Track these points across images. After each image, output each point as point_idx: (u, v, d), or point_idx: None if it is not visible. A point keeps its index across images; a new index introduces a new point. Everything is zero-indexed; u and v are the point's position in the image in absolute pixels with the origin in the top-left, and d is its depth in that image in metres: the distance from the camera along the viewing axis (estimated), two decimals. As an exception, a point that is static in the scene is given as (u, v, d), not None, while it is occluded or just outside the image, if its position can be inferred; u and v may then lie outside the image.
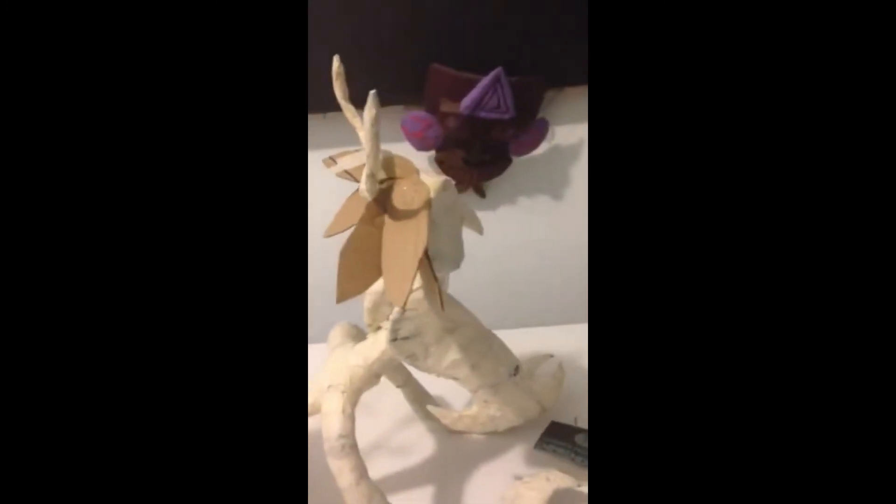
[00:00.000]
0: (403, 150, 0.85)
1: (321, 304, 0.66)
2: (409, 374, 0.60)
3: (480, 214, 0.99)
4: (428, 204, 0.38)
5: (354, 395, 0.45)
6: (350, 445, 0.43)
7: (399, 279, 0.36)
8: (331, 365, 0.46)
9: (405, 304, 0.36)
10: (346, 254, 0.39)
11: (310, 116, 0.78)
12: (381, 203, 0.40)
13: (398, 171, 0.41)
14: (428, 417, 0.61)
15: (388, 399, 0.69)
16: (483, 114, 0.74)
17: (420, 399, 0.60)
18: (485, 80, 0.72)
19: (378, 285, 0.43)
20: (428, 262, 0.40)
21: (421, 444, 0.62)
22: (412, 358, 0.44)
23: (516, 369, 0.47)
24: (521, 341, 0.74)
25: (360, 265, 0.39)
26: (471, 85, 0.73)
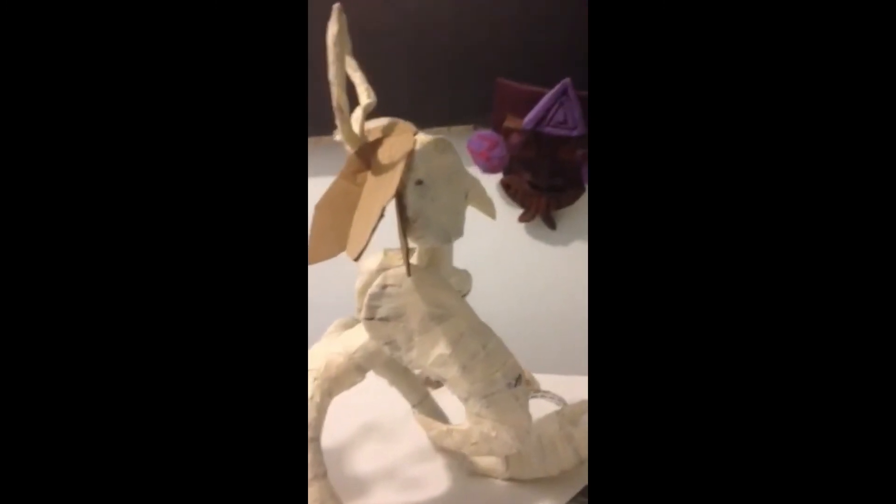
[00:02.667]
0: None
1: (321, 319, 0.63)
2: (426, 394, 0.53)
3: (550, 249, 0.93)
4: (409, 155, 0.34)
5: (329, 384, 0.40)
6: (310, 439, 0.37)
7: (359, 231, 0.32)
8: (312, 351, 0.42)
9: (359, 256, 0.31)
10: (321, 210, 0.35)
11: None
12: (366, 158, 0.36)
13: (396, 132, 0.37)
14: (447, 451, 0.53)
15: (414, 426, 0.63)
16: (548, 129, 0.69)
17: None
18: (550, 93, 0.67)
19: (371, 263, 0.38)
20: (401, 223, 0.34)
21: (435, 480, 0.55)
22: (392, 346, 0.38)
23: (518, 379, 0.39)
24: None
25: (333, 224, 0.35)
26: (537, 99, 0.69)
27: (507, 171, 0.78)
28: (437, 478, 0.55)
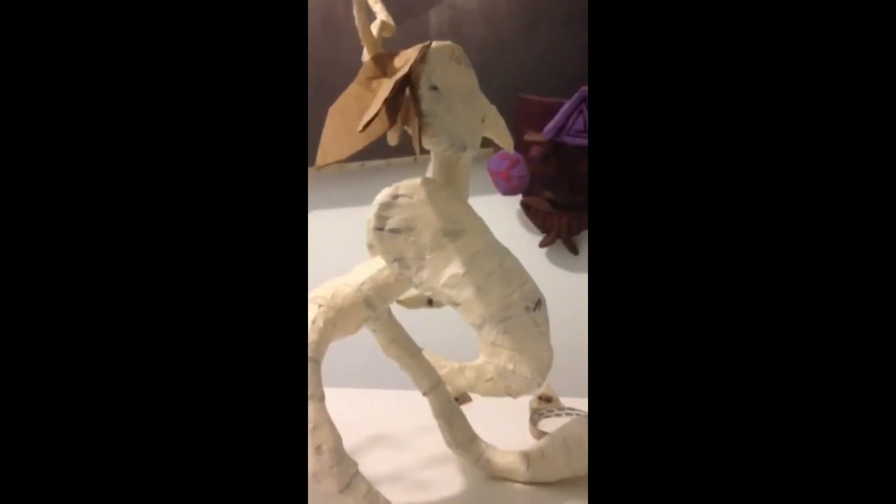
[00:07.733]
0: (490, 201, 0.82)
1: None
2: (438, 381, 0.49)
3: (573, 277, 0.89)
4: (423, 49, 0.34)
5: (333, 313, 0.37)
6: (310, 359, 0.34)
7: (370, 109, 0.31)
8: (321, 286, 0.39)
9: (364, 128, 0.30)
10: (334, 114, 0.35)
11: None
12: (382, 66, 0.36)
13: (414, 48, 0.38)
14: (460, 448, 0.48)
15: (426, 438, 0.58)
16: (567, 139, 0.69)
17: (446, 413, 0.47)
18: (568, 102, 0.68)
19: (382, 195, 0.37)
20: (416, 114, 0.34)
21: (450, 483, 0.49)
22: (402, 264, 0.35)
23: (537, 304, 0.35)
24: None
25: (345, 128, 0.34)
26: (556, 110, 0.70)
27: (528, 192, 0.77)
28: (453, 481, 0.49)
